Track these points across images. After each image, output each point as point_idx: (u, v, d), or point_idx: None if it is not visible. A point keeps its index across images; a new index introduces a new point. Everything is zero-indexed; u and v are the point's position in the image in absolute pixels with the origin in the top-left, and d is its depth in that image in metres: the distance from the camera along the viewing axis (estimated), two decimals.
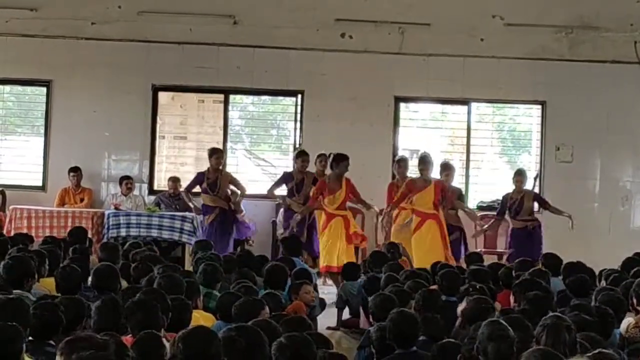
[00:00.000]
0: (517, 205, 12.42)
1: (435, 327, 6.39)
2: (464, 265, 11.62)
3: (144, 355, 4.65)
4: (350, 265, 10.19)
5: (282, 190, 12.44)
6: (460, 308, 6.88)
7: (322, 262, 11.67)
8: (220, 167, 12.57)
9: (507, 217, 12.68)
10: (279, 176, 12.75)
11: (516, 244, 12.37)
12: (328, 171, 12.05)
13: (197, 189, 12.67)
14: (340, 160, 11.82)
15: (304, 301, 7.93)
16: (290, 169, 12.65)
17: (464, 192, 13.18)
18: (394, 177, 12.88)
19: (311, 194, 11.98)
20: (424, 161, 11.97)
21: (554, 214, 12.49)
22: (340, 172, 11.78)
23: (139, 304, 5.56)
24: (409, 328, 5.94)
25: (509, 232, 12.74)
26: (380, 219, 12.22)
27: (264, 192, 12.92)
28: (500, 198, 12.79)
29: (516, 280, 8.13)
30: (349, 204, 12.08)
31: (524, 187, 12.62)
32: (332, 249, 11.64)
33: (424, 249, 11.53)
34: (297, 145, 13.99)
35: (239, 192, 12.63)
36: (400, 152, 14.17)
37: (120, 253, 9.01)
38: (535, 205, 12.63)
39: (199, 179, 12.52)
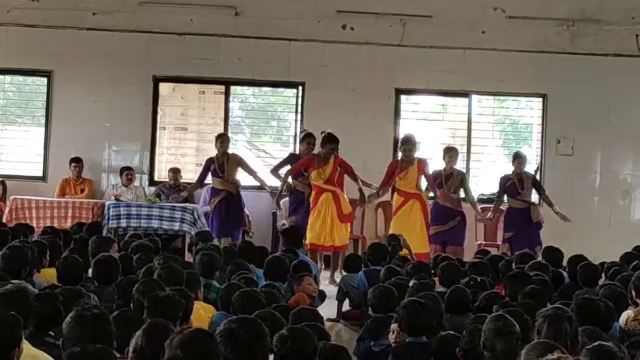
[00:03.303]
0: (518, 185, 12.43)
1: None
2: (465, 251, 11.74)
3: (151, 343, 4.45)
4: (352, 257, 10.18)
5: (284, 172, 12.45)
6: None
7: (307, 240, 11.44)
8: (227, 151, 12.65)
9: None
10: (284, 157, 12.80)
11: (515, 227, 12.36)
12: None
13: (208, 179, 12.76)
14: (328, 142, 11.69)
15: (305, 292, 7.95)
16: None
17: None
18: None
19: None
20: (409, 142, 12.03)
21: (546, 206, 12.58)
22: (326, 153, 11.68)
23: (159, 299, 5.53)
24: (422, 317, 5.96)
25: (505, 214, 12.72)
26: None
27: (265, 183, 12.91)
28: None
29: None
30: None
31: (524, 170, 12.69)
32: (316, 225, 11.55)
33: (404, 226, 11.54)
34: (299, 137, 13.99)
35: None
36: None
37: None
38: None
39: (207, 163, 12.64)
